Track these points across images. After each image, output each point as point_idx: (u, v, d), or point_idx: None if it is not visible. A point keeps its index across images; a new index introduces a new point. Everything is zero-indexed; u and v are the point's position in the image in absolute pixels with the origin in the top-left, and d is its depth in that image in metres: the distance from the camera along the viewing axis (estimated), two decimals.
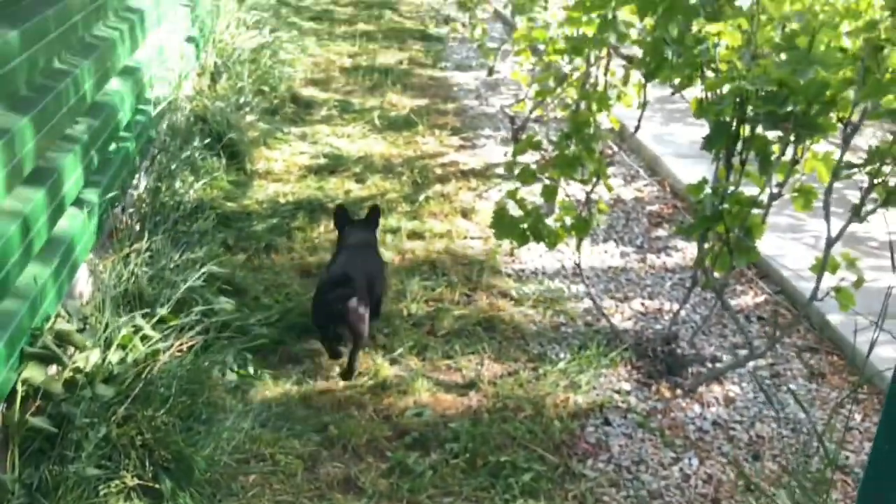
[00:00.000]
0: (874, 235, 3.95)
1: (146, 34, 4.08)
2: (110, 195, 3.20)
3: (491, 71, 6.83)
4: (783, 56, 2.38)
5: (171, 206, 3.56)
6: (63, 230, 2.77)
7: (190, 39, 5.09)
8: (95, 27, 3.34)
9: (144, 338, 2.66)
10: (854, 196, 2.46)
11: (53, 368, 2.45)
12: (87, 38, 3.23)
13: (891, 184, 2.20)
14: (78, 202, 2.94)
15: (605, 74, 3.66)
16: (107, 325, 2.60)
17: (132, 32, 3.79)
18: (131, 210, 3.37)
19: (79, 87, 2.96)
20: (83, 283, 2.99)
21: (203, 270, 3.06)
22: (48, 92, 2.69)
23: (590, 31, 3.29)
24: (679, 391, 2.91)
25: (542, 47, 4.31)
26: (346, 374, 2.92)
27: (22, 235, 2.40)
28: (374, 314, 3.06)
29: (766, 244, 3.73)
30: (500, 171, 4.70)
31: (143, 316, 2.73)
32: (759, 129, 2.37)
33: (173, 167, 3.79)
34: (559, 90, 4.20)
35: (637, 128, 3.24)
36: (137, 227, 3.37)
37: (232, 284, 3.26)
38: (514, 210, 3.10)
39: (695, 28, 2.51)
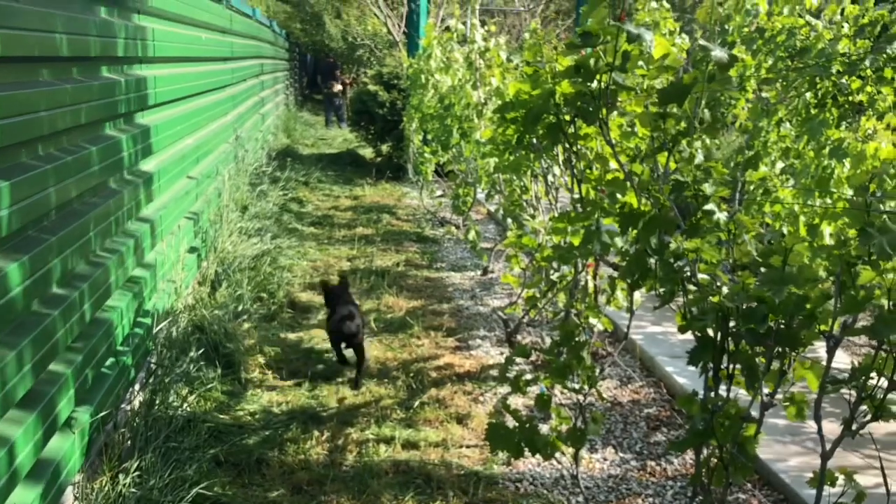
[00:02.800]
0: (877, 437, 3.90)
1: (150, 249, 4.24)
2: (102, 413, 3.19)
3: (485, 271, 7.02)
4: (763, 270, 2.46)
5: (163, 421, 3.54)
6: (51, 453, 2.74)
7: (192, 250, 5.27)
8: (99, 247, 3.47)
9: None
10: (851, 396, 2.46)
11: None
12: (91, 257, 3.35)
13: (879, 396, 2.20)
14: (69, 422, 2.93)
15: (595, 279, 3.77)
16: None
17: (136, 248, 3.93)
18: (123, 428, 3.34)
19: (76, 309, 3.04)
20: None
21: (193, 492, 2.99)
22: (45, 317, 2.75)
23: (576, 241, 3.41)
24: None
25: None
26: (355, 384, 4.48)
27: (7, 464, 2.38)
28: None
29: (766, 449, 3.69)
30: (495, 372, 4.70)
31: None
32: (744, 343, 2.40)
33: (168, 380, 3.80)
34: (550, 295, 4.30)
35: (626, 335, 3.28)
36: (129, 443, 3.34)
37: None
38: (510, 420, 3.08)
39: (673, 245, 2.61)
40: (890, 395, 2.25)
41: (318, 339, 5.20)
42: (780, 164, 5.29)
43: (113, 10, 3.91)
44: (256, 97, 11.40)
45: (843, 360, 4.64)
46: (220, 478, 3.41)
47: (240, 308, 5.08)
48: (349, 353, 4.67)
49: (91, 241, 3.31)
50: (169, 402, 3.71)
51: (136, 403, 3.67)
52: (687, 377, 4.43)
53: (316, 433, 3.86)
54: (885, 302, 2.17)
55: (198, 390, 3.99)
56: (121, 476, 3.04)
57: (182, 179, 5.34)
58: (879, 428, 3.93)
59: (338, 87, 19.45)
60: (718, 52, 2.66)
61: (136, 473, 3.09)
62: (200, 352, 4.22)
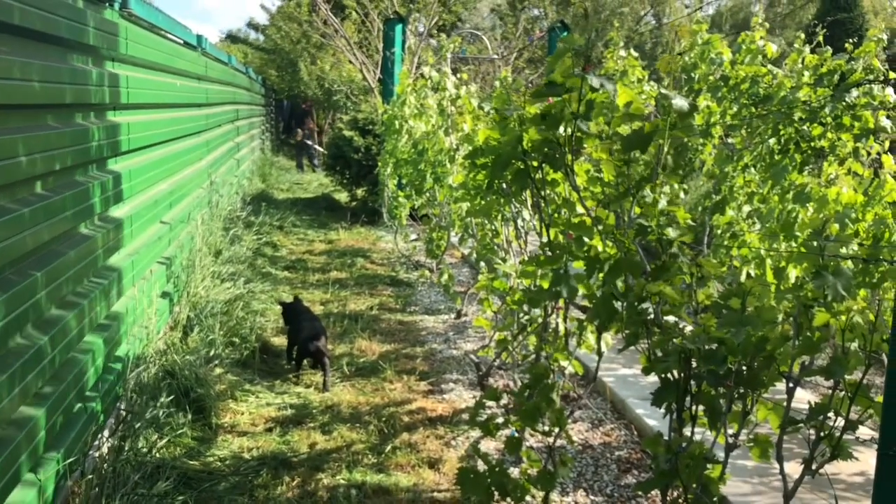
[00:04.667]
0: (842, 478, 3.94)
1: (122, 294, 4.23)
2: (70, 460, 3.16)
3: (459, 314, 7.05)
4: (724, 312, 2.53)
5: (132, 467, 3.50)
6: (15, 502, 2.70)
7: (164, 295, 5.26)
8: (70, 292, 3.47)
9: None
10: (812, 436, 2.50)
11: None
12: (61, 302, 3.35)
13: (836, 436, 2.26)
14: (34, 469, 2.90)
15: (565, 321, 3.81)
16: None
17: (108, 293, 3.93)
18: (91, 474, 3.31)
19: (46, 354, 3.03)
20: None
21: None
22: (15, 360, 2.74)
23: (545, 284, 3.47)
24: None
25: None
26: (324, 388, 5.06)
27: None
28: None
29: (733, 490, 3.72)
30: (468, 416, 4.70)
31: None
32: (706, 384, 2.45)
33: (138, 426, 3.77)
34: (520, 338, 4.34)
35: (594, 377, 3.32)
36: (96, 490, 3.30)
37: None
38: (481, 464, 3.09)
39: (637, 288, 2.67)
40: (848, 435, 2.30)
41: (290, 383, 5.18)
42: (746, 209, 5.41)
43: (87, 58, 3.96)
44: (231, 142, 11.46)
45: (806, 401, 4.69)
46: None
47: (212, 353, 5.06)
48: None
49: (62, 286, 3.31)
50: (138, 448, 3.67)
51: (105, 449, 3.63)
52: (657, 420, 4.47)
53: (286, 478, 3.84)
54: (841, 342, 2.24)
55: (168, 436, 3.96)
56: None
57: (155, 224, 5.35)
58: (847, 468, 3.98)
59: (300, 135, 19.74)
60: (679, 101, 2.75)
61: None
62: (171, 397, 4.19)
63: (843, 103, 4.79)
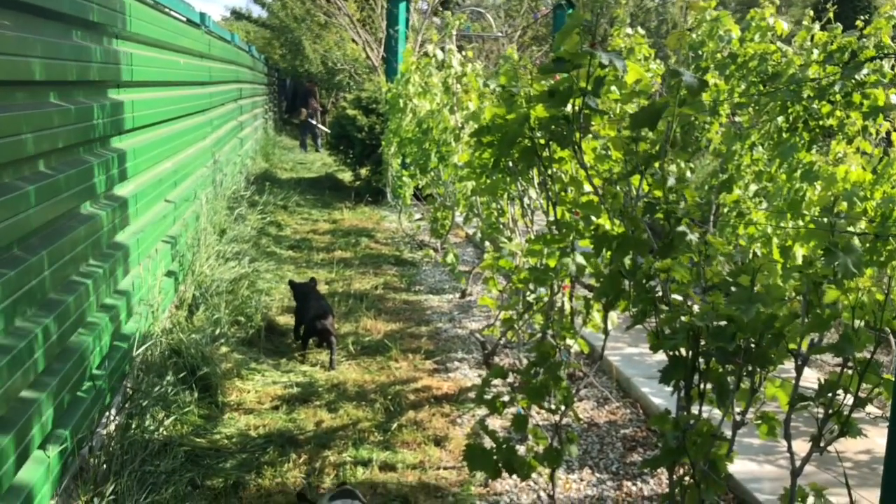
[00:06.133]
0: (849, 456, 3.95)
1: (127, 272, 4.23)
2: (78, 437, 3.17)
3: (463, 294, 7.04)
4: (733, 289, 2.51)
5: (139, 445, 3.51)
6: (24, 479, 2.72)
7: (169, 273, 5.25)
8: (75, 270, 3.47)
9: None
10: (820, 414, 2.50)
11: None
12: (66, 280, 3.34)
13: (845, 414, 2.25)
14: (43, 446, 2.91)
15: (571, 300, 3.80)
16: None
17: (113, 272, 3.93)
18: (99, 452, 3.32)
19: (52, 332, 3.03)
20: None
21: None
22: (21, 339, 2.74)
23: (552, 262, 3.45)
24: None
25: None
26: (330, 366, 5.08)
27: None
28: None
29: (740, 468, 3.72)
30: (473, 394, 4.71)
31: None
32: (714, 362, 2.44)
33: (145, 404, 3.78)
34: (526, 316, 4.33)
35: (600, 355, 3.32)
36: (104, 467, 3.31)
37: None
38: (487, 441, 3.09)
39: (645, 265, 2.65)
40: (856, 413, 2.29)
41: (296, 362, 5.19)
42: (753, 187, 5.38)
43: (91, 34, 3.93)
44: (235, 121, 11.42)
45: (813, 379, 4.69)
46: (197, 502, 3.39)
47: (217, 332, 5.06)
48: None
49: (67, 264, 3.30)
50: (145, 425, 3.69)
51: (112, 427, 3.64)
52: (663, 398, 4.47)
53: (293, 456, 3.85)
54: (849, 320, 2.22)
55: (174, 414, 3.97)
56: (96, 500, 3.02)
57: (160, 203, 5.34)
58: (853, 446, 3.98)
59: (304, 114, 19.63)
60: (689, 78, 2.72)
61: (112, 498, 3.07)
62: (177, 375, 4.20)
63: (853, 81, 4.74)
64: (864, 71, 4.57)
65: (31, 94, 3.11)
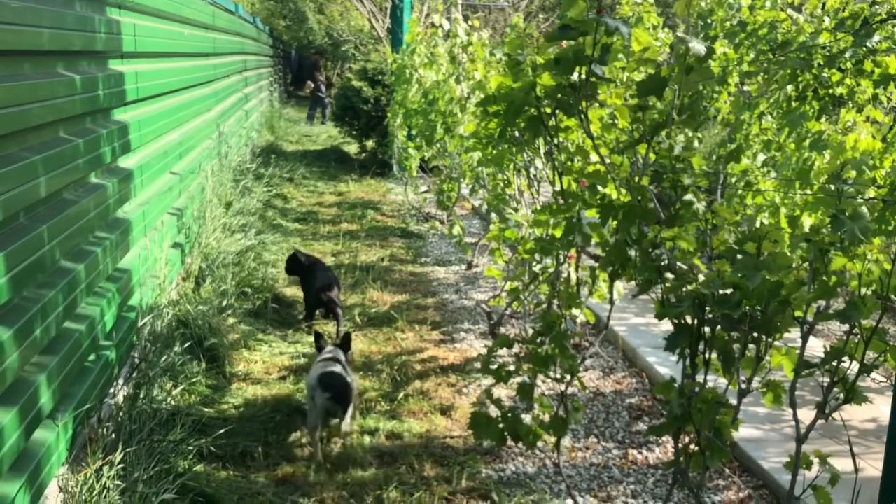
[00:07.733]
0: (854, 424, 3.96)
1: (133, 244, 4.24)
2: (87, 406, 3.20)
3: (470, 265, 7.05)
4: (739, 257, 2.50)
5: (147, 415, 3.54)
6: (35, 446, 2.74)
7: (176, 245, 5.26)
8: (82, 241, 3.47)
9: None
10: (825, 382, 2.50)
11: None
12: (73, 251, 3.35)
13: (850, 380, 2.25)
14: (53, 415, 2.94)
15: (577, 271, 3.80)
16: None
17: (119, 243, 3.93)
18: (107, 421, 3.35)
19: (59, 303, 3.04)
20: (52, 500, 2.92)
21: (177, 483, 3.01)
22: (28, 310, 2.76)
23: (558, 233, 3.44)
24: None
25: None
26: (337, 337, 4.83)
27: None
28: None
29: (745, 435, 3.74)
30: (479, 364, 4.73)
31: None
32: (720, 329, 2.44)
33: (152, 374, 3.81)
34: (532, 287, 4.33)
35: (606, 325, 3.32)
36: (113, 437, 3.34)
37: (205, 496, 3.18)
38: (493, 410, 3.11)
39: (651, 234, 2.64)
40: (862, 381, 2.30)
41: (303, 333, 5.22)
42: (761, 157, 5.34)
43: (95, 4, 3.90)
44: (240, 93, 11.37)
45: (819, 347, 4.70)
46: (205, 470, 3.42)
47: (224, 303, 5.08)
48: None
49: (73, 235, 3.31)
50: (153, 395, 3.71)
51: (121, 397, 3.67)
52: (669, 367, 4.48)
53: (300, 425, 3.88)
54: (856, 288, 2.22)
55: (182, 384, 4.00)
56: (105, 469, 3.05)
57: (165, 175, 5.34)
58: (858, 414, 3.99)
59: (309, 86, 19.49)
60: (696, 45, 2.69)
61: (121, 466, 3.09)
62: (185, 346, 4.23)
63: (864, 49, 4.69)
64: (876, 38, 4.52)
65: (37, 64, 3.09)
